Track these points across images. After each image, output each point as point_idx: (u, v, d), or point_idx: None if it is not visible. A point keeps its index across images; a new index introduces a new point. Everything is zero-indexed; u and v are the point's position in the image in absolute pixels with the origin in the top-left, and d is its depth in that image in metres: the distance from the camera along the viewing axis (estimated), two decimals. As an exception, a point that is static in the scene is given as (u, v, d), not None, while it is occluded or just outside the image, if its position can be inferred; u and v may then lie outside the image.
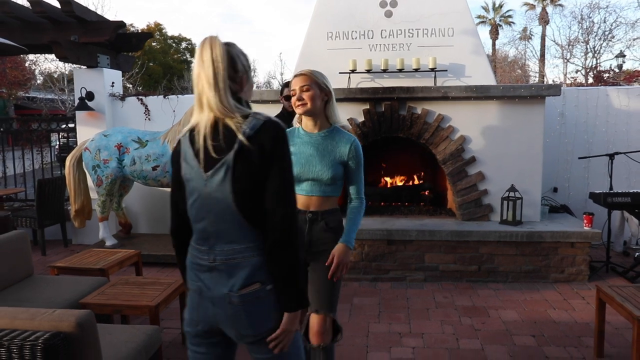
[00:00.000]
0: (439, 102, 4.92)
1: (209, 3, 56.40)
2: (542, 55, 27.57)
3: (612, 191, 4.67)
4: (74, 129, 6.57)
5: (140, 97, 6.28)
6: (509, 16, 35.96)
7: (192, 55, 34.65)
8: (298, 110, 2.43)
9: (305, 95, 2.39)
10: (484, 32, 34.95)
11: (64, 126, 7.16)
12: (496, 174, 4.97)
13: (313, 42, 5.29)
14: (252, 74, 1.77)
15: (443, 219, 5.15)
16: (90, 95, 6.06)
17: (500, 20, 36.41)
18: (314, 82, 2.40)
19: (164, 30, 32.39)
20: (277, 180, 1.56)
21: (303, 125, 2.53)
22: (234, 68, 1.63)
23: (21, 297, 3.29)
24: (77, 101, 6.07)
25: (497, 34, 35.94)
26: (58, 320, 2.11)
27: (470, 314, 4.04)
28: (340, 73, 5.22)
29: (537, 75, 25.50)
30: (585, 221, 4.68)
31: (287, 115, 3.90)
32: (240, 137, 1.54)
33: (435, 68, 4.98)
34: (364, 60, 5.06)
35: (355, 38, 5.23)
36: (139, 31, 30.84)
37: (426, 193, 5.74)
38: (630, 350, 3.31)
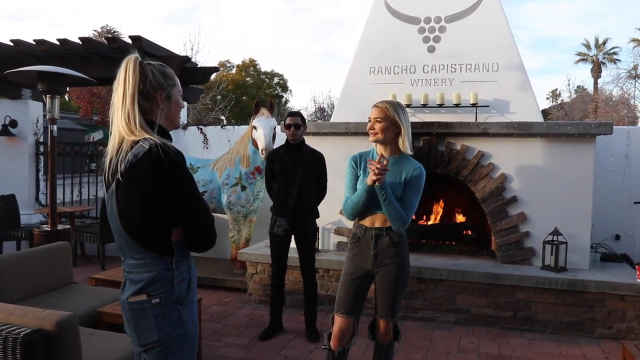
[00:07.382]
0: (479, 139, 4.77)
1: (310, 42, 58.55)
2: (654, 94, 25.32)
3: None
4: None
5: (200, 126, 6.73)
6: (614, 53, 33.72)
7: (283, 90, 36.19)
8: (370, 138, 2.74)
9: (377, 126, 2.68)
10: (585, 70, 32.99)
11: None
12: (539, 216, 4.66)
13: (356, 76, 5.38)
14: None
15: (481, 260, 4.91)
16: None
17: (603, 58, 34.26)
18: (387, 116, 2.67)
19: (258, 66, 34.23)
20: (177, 208, 1.70)
21: (377, 149, 2.80)
22: (145, 84, 1.69)
23: (52, 302, 3.60)
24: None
25: (600, 72, 33.77)
26: (43, 318, 2.32)
27: (492, 363, 3.79)
28: (381, 107, 5.22)
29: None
30: (638, 273, 4.23)
31: (289, 144, 4.14)
32: (120, 168, 1.62)
33: (477, 103, 4.84)
34: (403, 95, 5.05)
35: (397, 73, 5.25)
36: (235, 66, 32.98)
37: (468, 232, 5.51)
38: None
